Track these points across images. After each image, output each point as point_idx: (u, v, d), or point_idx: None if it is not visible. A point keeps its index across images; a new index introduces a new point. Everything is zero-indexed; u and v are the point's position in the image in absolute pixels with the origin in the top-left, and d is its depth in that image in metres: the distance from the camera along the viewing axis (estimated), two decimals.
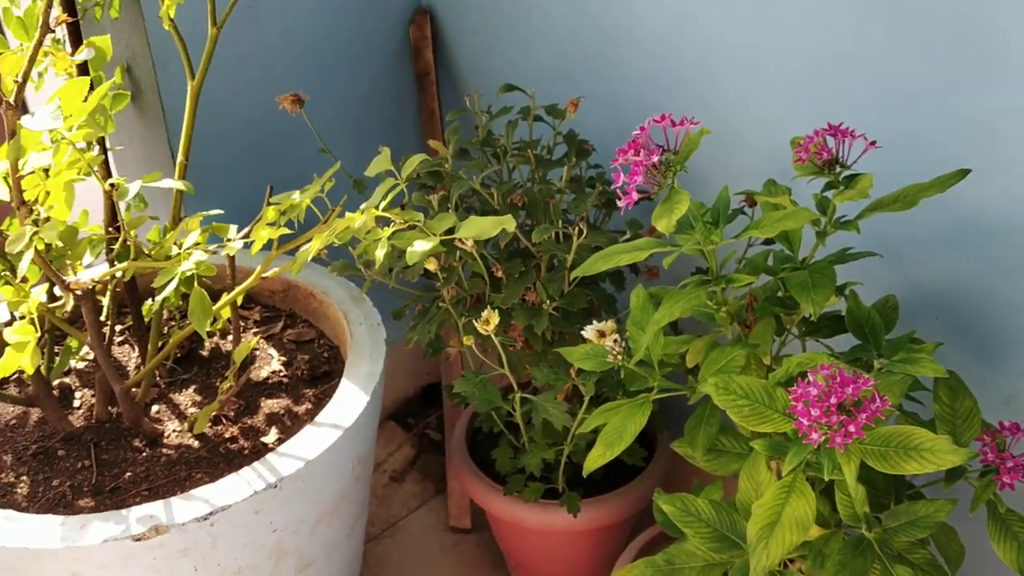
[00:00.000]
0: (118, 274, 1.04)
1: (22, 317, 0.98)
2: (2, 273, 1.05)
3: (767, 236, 0.85)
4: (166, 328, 1.22)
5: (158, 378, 1.19)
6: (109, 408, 1.12)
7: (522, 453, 1.25)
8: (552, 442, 1.22)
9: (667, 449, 1.33)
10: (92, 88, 0.91)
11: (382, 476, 1.68)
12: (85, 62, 1.04)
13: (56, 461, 1.06)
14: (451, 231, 0.87)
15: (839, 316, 0.93)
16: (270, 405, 1.14)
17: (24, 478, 1.03)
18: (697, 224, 0.85)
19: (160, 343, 1.12)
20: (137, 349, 1.21)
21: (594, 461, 0.90)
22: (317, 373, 1.20)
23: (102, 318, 1.11)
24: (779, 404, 0.78)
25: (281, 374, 1.20)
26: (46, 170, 0.94)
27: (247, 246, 0.96)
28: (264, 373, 1.20)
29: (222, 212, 1.03)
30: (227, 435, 1.09)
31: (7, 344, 0.93)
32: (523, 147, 1.21)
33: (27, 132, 0.87)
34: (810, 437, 0.72)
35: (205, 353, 1.24)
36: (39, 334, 0.95)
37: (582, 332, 0.95)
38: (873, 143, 0.86)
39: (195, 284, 0.92)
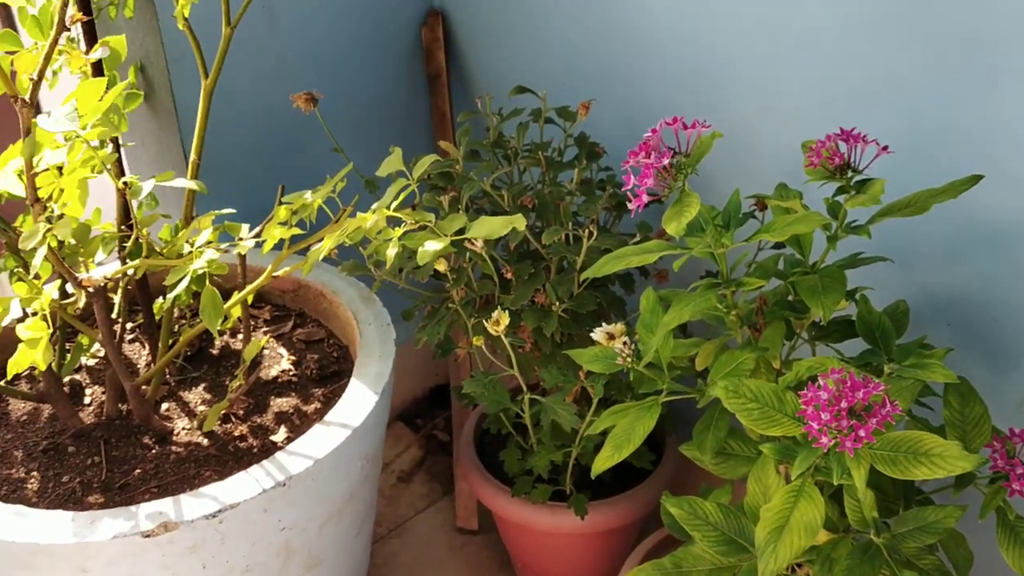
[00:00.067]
0: (130, 272, 1.05)
1: (35, 313, 0.98)
2: (15, 270, 1.06)
3: (778, 240, 0.85)
4: (177, 326, 1.23)
5: (168, 376, 1.19)
6: (119, 405, 1.12)
7: (530, 455, 1.25)
8: (560, 444, 1.22)
9: (675, 452, 1.33)
10: (107, 87, 0.91)
11: (390, 476, 1.68)
12: (100, 61, 1.05)
13: (66, 457, 1.06)
14: (462, 231, 0.87)
15: (849, 321, 0.93)
16: (279, 404, 1.15)
17: (34, 474, 1.04)
18: (708, 227, 0.85)
19: (171, 341, 1.12)
20: (148, 347, 1.21)
21: (602, 463, 0.90)
22: (326, 373, 1.20)
23: (113, 315, 1.12)
24: (789, 408, 0.78)
25: (290, 373, 1.20)
26: (60, 167, 0.94)
27: (258, 245, 0.96)
28: (274, 372, 1.20)
29: (234, 211, 1.03)
30: (236, 433, 1.10)
31: (20, 340, 0.94)
32: (534, 149, 1.21)
33: (42, 130, 0.87)
34: (820, 441, 0.72)
35: (215, 352, 1.24)
36: (51, 331, 0.96)
37: (591, 334, 0.95)
38: (885, 148, 0.86)
39: (206, 282, 0.92)
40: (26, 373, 1.19)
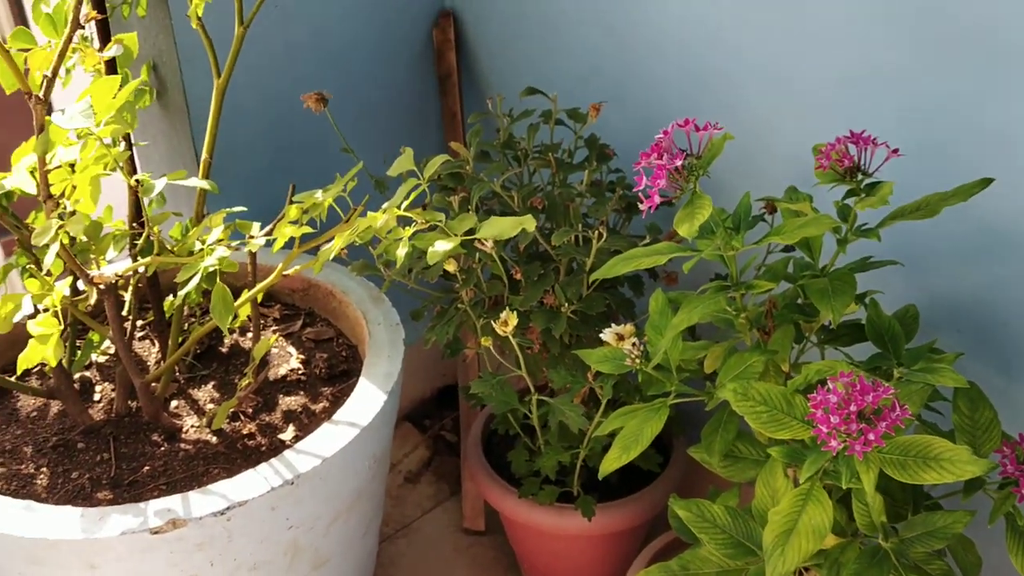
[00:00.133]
0: (141, 269, 1.05)
1: (46, 310, 0.99)
2: (27, 266, 1.07)
3: (788, 242, 0.85)
4: (186, 324, 1.23)
5: (177, 374, 1.20)
6: (129, 402, 1.12)
7: (538, 456, 1.25)
8: (568, 445, 1.22)
9: (683, 455, 1.33)
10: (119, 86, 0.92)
11: (397, 477, 1.68)
12: (113, 59, 1.05)
13: (76, 453, 1.07)
14: (472, 232, 0.88)
15: (859, 324, 0.92)
16: (288, 402, 1.15)
17: (44, 469, 1.04)
18: (718, 230, 0.85)
19: (180, 339, 1.13)
20: (157, 344, 1.22)
21: (610, 464, 0.90)
22: (335, 372, 1.20)
23: (124, 313, 1.12)
24: (798, 411, 0.78)
25: (299, 372, 1.20)
26: (72, 165, 0.94)
27: (269, 244, 0.97)
28: (283, 371, 1.20)
29: (245, 209, 1.03)
30: (245, 431, 1.10)
31: (31, 336, 0.94)
32: (544, 150, 1.21)
33: (56, 127, 0.87)
34: (829, 444, 0.72)
35: (224, 350, 1.25)
36: (62, 327, 0.96)
37: (600, 335, 0.95)
38: (895, 151, 0.86)
39: (217, 280, 0.92)
40: (36, 369, 1.20)
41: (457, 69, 1.51)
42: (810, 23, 1.04)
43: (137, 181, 0.97)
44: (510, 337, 1.06)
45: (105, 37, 1.08)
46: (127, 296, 1.14)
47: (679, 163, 0.82)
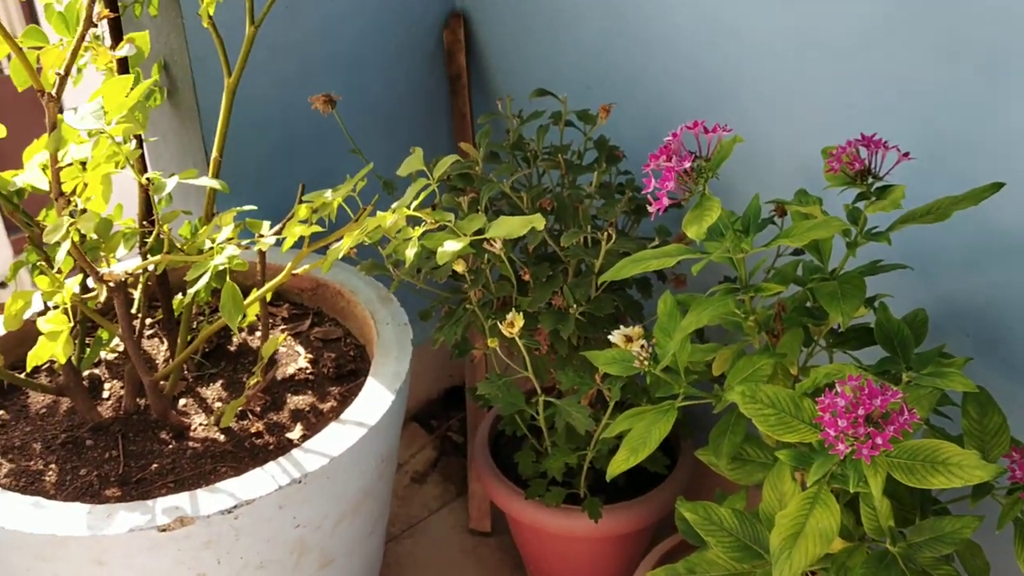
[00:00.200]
0: (150, 267, 1.05)
1: (56, 307, 0.99)
2: (38, 263, 1.07)
3: (797, 245, 0.85)
4: (195, 323, 1.24)
5: (186, 372, 1.20)
6: (137, 400, 1.13)
7: (545, 457, 1.25)
8: (575, 447, 1.22)
9: (690, 457, 1.32)
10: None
11: (403, 477, 1.69)
12: (125, 58, 1.06)
13: (84, 450, 1.07)
14: (481, 232, 0.88)
15: (868, 328, 0.92)
16: (296, 401, 1.15)
17: (52, 466, 1.05)
18: (727, 232, 0.85)
19: (189, 337, 1.13)
20: (166, 343, 1.22)
21: (618, 466, 0.90)
22: (343, 371, 1.21)
23: (133, 311, 1.13)
24: (806, 414, 0.77)
25: (307, 371, 1.21)
26: (83, 163, 0.95)
27: (278, 243, 0.97)
28: (291, 370, 1.21)
29: (255, 208, 1.04)
30: (253, 430, 1.10)
31: (41, 333, 0.95)
32: (553, 152, 1.21)
33: (68, 125, 0.88)
34: (836, 448, 0.72)
35: (233, 348, 1.25)
36: (72, 324, 0.97)
37: (609, 337, 0.95)
38: (906, 155, 0.86)
39: (227, 279, 0.93)
40: (46, 366, 1.20)
41: (467, 70, 1.51)
42: (822, 25, 1.03)
43: (148, 179, 0.97)
44: (516, 338, 1.06)
45: (117, 36, 1.08)
46: (136, 294, 1.15)
47: (688, 165, 0.82)
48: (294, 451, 0.99)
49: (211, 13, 1.02)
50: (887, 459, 0.74)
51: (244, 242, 0.95)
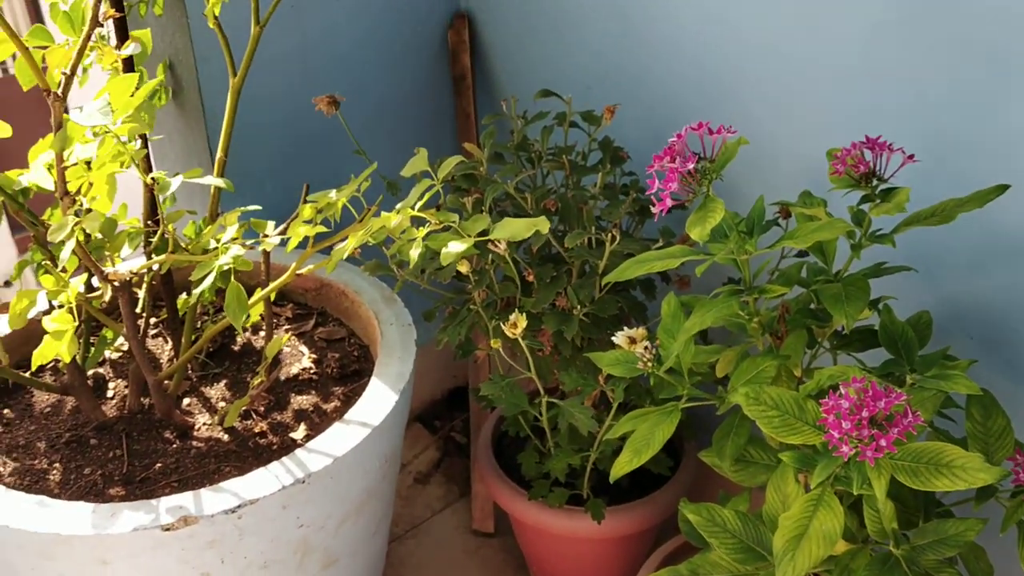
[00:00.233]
0: (155, 267, 1.06)
1: (61, 306, 0.99)
2: (43, 262, 1.07)
3: (801, 247, 0.85)
4: (199, 322, 1.24)
5: (190, 371, 1.20)
6: (141, 399, 1.13)
7: (548, 458, 1.25)
8: (578, 448, 1.22)
9: (693, 459, 1.32)
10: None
11: (407, 477, 1.69)
12: (130, 57, 1.06)
13: (88, 449, 1.07)
14: (485, 233, 0.88)
15: (872, 330, 0.92)
16: (299, 401, 1.15)
17: (57, 465, 1.05)
18: (731, 233, 0.85)
19: (193, 337, 1.13)
20: (170, 342, 1.22)
21: (621, 467, 0.90)
22: (347, 371, 1.21)
23: (138, 310, 1.13)
24: (809, 416, 0.77)
25: (311, 371, 1.21)
26: (88, 162, 0.95)
27: (283, 243, 0.97)
28: (294, 370, 1.21)
29: (260, 208, 1.04)
30: (256, 430, 1.10)
31: (45, 332, 0.95)
32: (558, 153, 1.21)
33: (74, 124, 0.88)
34: (840, 450, 0.72)
35: (237, 348, 1.25)
36: (76, 324, 0.97)
37: (612, 338, 0.95)
38: (911, 157, 0.86)
39: (231, 279, 0.93)
40: (50, 365, 1.20)
41: (471, 70, 1.52)
42: (826, 26, 1.03)
43: (153, 179, 0.97)
44: (520, 339, 1.06)
45: (123, 35, 1.08)
46: (141, 293, 1.15)
47: (691, 167, 0.82)
48: (298, 451, 1.00)
49: (216, 13, 1.02)
50: (891, 461, 0.74)
51: (249, 242, 0.95)
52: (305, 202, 0.98)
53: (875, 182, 0.87)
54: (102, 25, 0.89)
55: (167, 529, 0.90)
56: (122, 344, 1.22)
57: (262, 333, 1.27)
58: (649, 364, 0.91)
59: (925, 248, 1.01)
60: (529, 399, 1.17)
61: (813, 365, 0.96)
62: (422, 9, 1.47)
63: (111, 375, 1.20)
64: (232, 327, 1.23)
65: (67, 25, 1.02)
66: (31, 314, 1.03)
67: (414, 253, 0.88)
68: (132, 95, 0.90)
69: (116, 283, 0.98)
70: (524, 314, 1.05)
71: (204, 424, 1.11)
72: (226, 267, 0.91)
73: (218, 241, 0.95)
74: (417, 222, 0.91)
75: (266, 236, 0.98)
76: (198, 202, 1.38)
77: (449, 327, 1.19)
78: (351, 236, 0.92)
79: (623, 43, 1.28)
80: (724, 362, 0.95)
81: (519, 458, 1.30)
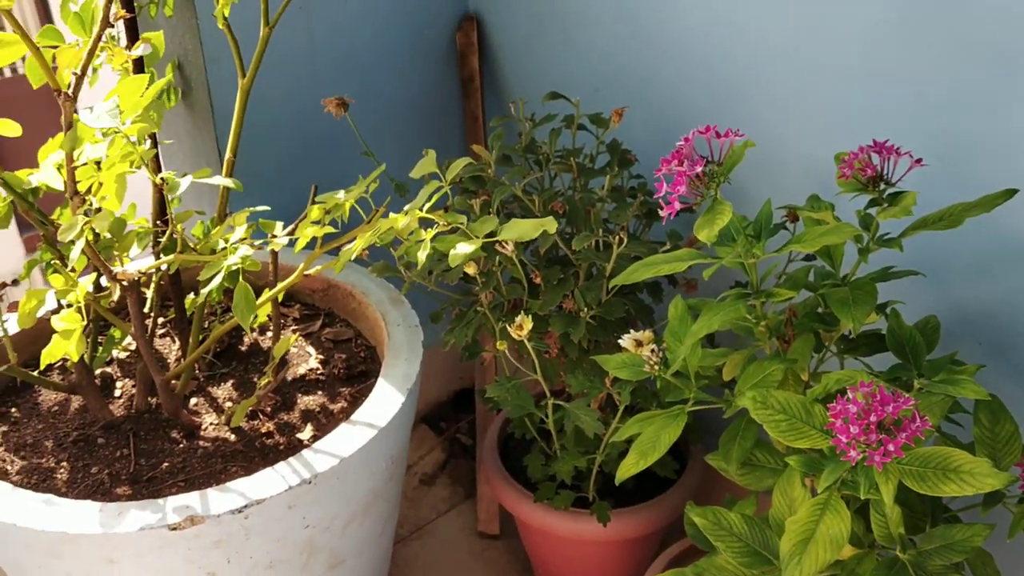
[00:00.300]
0: (163, 267, 1.06)
1: (69, 305, 1.00)
2: (52, 262, 1.08)
3: (809, 251, 0.85)
4: (207, 322, 1.24)
5: (197, 371, 1.20)
6: (149, 399, 1.13)
7: (554, 460, 1.25)
8: (584, 450, 1.22)
9: (699, 462, 1.32)
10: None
11: (412, 478, 1.69)
12: (140, 58, 1.06)
13: (96, 448, 1.08)
14: (492, 234, 0.88)
15: (879, 334, 0.92)
16: (306, 402, 1.16)
17: (64, 464, 1.05)
18: (739, 237, 0.85)
19: (201, 337, 1.14)
20: (178, 342, 1.23)
21: (627, 470, 0.90)
22: (354, 372, 1.21)
23: (145, 310, 1.13)
24: (817, 420, 0.77)
25: (318, 372, 1.21)
26: (98, 162, 0.95)
27: (291, 243, 0.97)
28: (301, 370, 1.21)
29: (268, 209, 1.04)
30: (263, 430, 1.10)
31: (54, 331, 0.95)
32: (566, 155, 1.21)
33: (83, 124, 0.88)
34: (848, 454, 0.72)
35: (244, 348, 1.25)
36: (85, 323, 0.97)
37: (619, 341, 0.95)
38: (919, 161, 0.86)
39: (240, 279, 0.93)
40: (58, 364, 1.21)
41: (479, 73, 1.52)
42: (833, 29, 1.03)
43: (162, 179, 0.97)
44: (526, 341, 1.06)
45: (133, 36, 1.09)
46: (149, 293, 1.15)
47: (699, 170, 0.82)
48: (304, 451, 1.00)
49: (226, 14, 1.02)
50: (898, 466, 0.73)
51: (257, 242, 0.96)
52: (313, 203, 0.98)
53: (882, 186, 0.87)
54: (112, 26, 0.89)
55: (174, 528, 0.90)
56: (130, 343, 1.22)
57: (269, 333, 1.27)
58: (656, 367, 0.91)
59: (933, 252, 1.01)
60: (535, 401, 1.17)
61: (820, 369, 0.96)
62: (430, 11, 1.48)
63: (119, 374, 1.20)
64: (239, 327, 1.24)
65: (78, 25, 1.03)
66: (39, 313, 1.04)
67: (422, 255, 0.88)
68: (141, 96, 0.90)
69: (124, 283, 0.99)
70: (531, 316, 1.05)
71: (211, 424, 1.12)
72: (234, 267, 0.91)
73: (226, 241, 0.96)
74: (425, 223, 0.91)
75: (274, 237, 0.98)
76: (207, 202, 1.39)
77: (456, 329, 1.19)
78: (359, 237, 0.92)
79: (631, 46, 1.28)
80: (731, 365, 0.95)
81: (525, 460, 1.30)
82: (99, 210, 0.94)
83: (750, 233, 0.86)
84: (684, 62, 1.22)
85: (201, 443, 1.09)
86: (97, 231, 0.92)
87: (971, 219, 0.85)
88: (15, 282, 1.09)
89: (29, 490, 0.97)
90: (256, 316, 1.03)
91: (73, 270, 1.01)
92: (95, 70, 1.10)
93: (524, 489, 1.30)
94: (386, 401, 1.07)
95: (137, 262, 1.12)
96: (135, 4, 1.08)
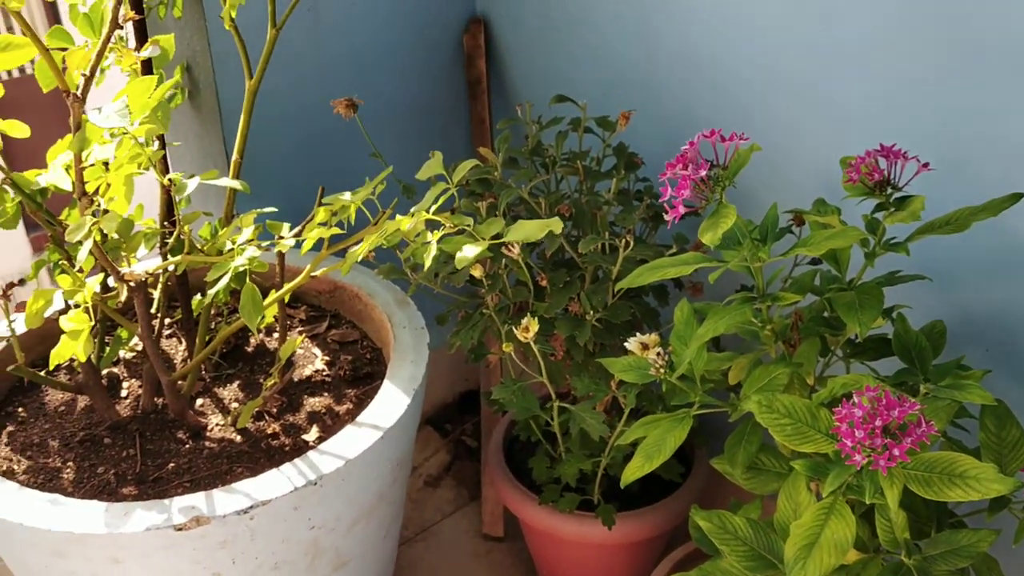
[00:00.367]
0: (171, 268, 1.06)
1: (77, 306, 1.00)
2: (59, 262, 1.08)
3: (815, 255, 0.85)
4: (213, 323, 1.24)
5: (203, 372, 1.21)
6: (155, 399, 1.14)
7: (559, 463, 1.25)
8: (589, 453, 1.22)
9: (704, 466, 1.32)
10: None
11: (417, 480, 1.69)
12: (149, 59, 1.07)
13: (102, 449, 1.08)
14: (499, 236, 0.88)
15: (885, 339, 0.92)
16: (312, 403, 1.16)
17: (70, 464, 1.06)
18: (745, 240, 0.85)
19: (207, 338, 1.14)
20: (184, 343, 1.23)
21: (632, 473, 0.90)
22: (359, 374, 1.21)
23: (152, 311, 1.13)
24: (822, 424, 0.77)
25: (324, 373, 1.21)
26: (106, 163, 0.96)
27: (298, 245, 0.97)
28: (307, 372, 1.21)
29: (276, 210, 1.04)
30: (269, 431, 1.11)
31: (62, 331, 0.96)
32: (572, 158, 1.21)
33: (92, 125, 0.89)
34: (853, 459, 0.72)
35: (250, 349, 1.26)
36: (92, 323, 0.97)
37: (625, 344, 0.95)
38: (926, 165, 0.86)
39: (247, 280, 0.93)
40: (65, 364, 1.21)
41: (487, 75, 1.52)
42: (838, 34, 1.03)
43: (170, 180, 0.98)
44: (532, 344, 1.06)
45: (142, 38, 1.09)
46: (156, 294, 1.15)
47: (703, 174, 0.82)
48: (310, 453, 1.00)
49: (233, 16, 1.02)
50: (904, 471, 0.73)
51: (264, 244, 0.96)
52: (320, 204, 0.98)
53: (889, 190, 0.87)
54: (122, 27, 0.89)
55: (179, 529, 0.91)
56: (136, 344, 1.23)
57: (275, 335, 1.27)
58: (661, 370, 0.91)
59: (939, 257, 1.00)
60: (541, 403, 1.17)
61: (826, 373, 0.96)
62: (438, 13, 1.48)
63: (125, 375, 1.21)
64: (246, 328, 1.24)
65: (87, 27, 1.03)
66: (47, 313, 1.04)
67: (428, 257, 0.88)
68: (149, 97, 0.90)
69: (132, 283, 0.99)
70: (537, 319, 1.05)
71: (217, 425, 1.12)
72: (241, 268, 0.92)
73: (234, 242, 0.96)
74: (431, 225, 0.91)
75: (281, 238, 0.98)
76: (214, 204, 1.39)
77: (462, 331, 1.19)
78: (365, 239, 0.92)
79: (639, 49, 1.28)
80: (737, 369, 0.95)
81: (530, 462, 1.30)
82: (107, 211, 0.94)
83: (756, 237, 0.86)
84: (691, 66, 1.22)
85: (207, 444, 1.09)
86: (105, 232, 0.92)
87: (978, 223, 0.85)
88: (22, 282, 1.09)
89: (35, 490, 0.97)
90: (263, 317, 1.03)
91: (81, 270, 1.02)
92: (103, 71, 1.10)
93: (529, 492, 1.30)
94: (392, 403, 1.07)
95: (144, 263, 1.12)
96: (144, 5, 1.08)
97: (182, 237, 1.02)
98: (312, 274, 0.99)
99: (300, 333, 1.28)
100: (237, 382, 1.20)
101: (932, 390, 0.82)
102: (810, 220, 0.94)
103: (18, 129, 1.01)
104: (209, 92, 1.30)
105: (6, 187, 1.05)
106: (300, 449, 1.08)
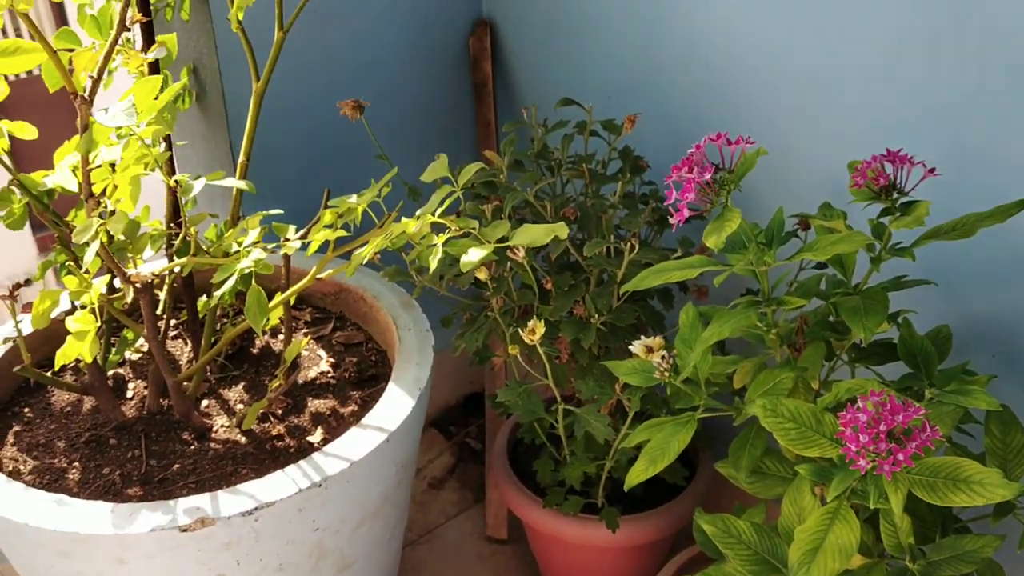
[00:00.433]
0: (176, 269, 1.06)
1: (83, 307, 1.00)
2: (66, 263, 1.08)
3: (820, 259, 0.85)
4: (219, 325, 1.25)
5: (209, 373, 1.21)
6: (161, 400, 1.14)
7: (563, 466, 1.25)
8: (594, 456, 1.22)
9: (708, 469, 1.32)
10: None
11: (421, 482, 1.69)
12: (156, 61, 1.07)
13: (107, 449, 1.08)
14: (504, 239, 0.88)
15: (890, 344, 0.92)
16: (317, 405, 1.16)
17: (76, 464, 1.06)
18: (750, 244, 0.85)
19: (213, 339, 1.14)
20: (190, 344, 1.23)
21: (636, 476, 0.90)
22: (364, 376, 1.21)
23: (158, 312, 1.14)
24: (827, 429, 0.77)
25: (329, 375, 1.21)
26: (113, 164, 0.96)
27: (303, 247, 0.98)
28: (312, 373, 1.21)
29: (281, 212, 1.05)
30: (274, 433, 1.11)
31: (68, 332, 0.96)
32: (578, 161, 1.21)
33: (99, 126, 0.89)
34: (857, 463, 0.72)
35: (255, 351, 1.26)
36: (98, 324, 0.98)
37: (630, 347, 0.95)
38: (932, 170, 0.85)
39: (252, 281, 0.93)
40: (71, 365, 1.21)
41: (492, 78, 1.52)
42: (847, 39, 1.03)
43: (176, 182, 0.98)
44: (537, 346, 1.06)
45: (149, 40, 1.09)
46: (162, 295, 1.16)
47: (708, 177, 0.82)
48: (315, 455, 1.00)
49: (240, 18, 1.03)
50: (908, 476, 0.73)
51: (270, 246, 0.96)
52: (326, 207, 0.99)
53: (895, 195, 0.87)
54: (129, 29, 0.90)
55: (184, 530, 0.91)
56: (142, 345, 1.23)
57: (281, 336, 1.28)
58: (666, 374, 0.91)
59: (945, 262, 1.00)
60: (545, 406, 1.17)
61: (831, 378, 0.96)
62: (444, 16, 1.48)
63: (131, 376, 1.21)
64: (251, 330, 1.24)
65: (94, 29, 1.04)
66: (53, 314, 1.04)
67: (433, 259, 0.88)
68: (156, 98, 0.91)
69: (138, 285, 0.99)
70: (542, 321, 1.05)
71: (222, 426, 1.12)
72: (247, 270, 0.92)
73: (239, 244, 0.96)
74: (437, 228, 0.91)
75: (287, 240, 0.99)
76: (220, 205, 1.39)
77: (467, 333, 1.19)
78: (371, 241, 0.92)
79: (645, 52, 1.28)
80: (741, 373, 0.95)
81: (534, 465, 1.30)
82: (113, 212, 0.95)
83: (762, 241, 0.86)
84: (698, 69, 1.22)
85: (212, 445, 1.09)
86: (111, 233, 0.92)
87: (984, 229, 0.85)
88: (28, 282, 1.09)
89: (41, 490, 0.98)
90: (268, 319, 1.04)
91: (87, 271, 1.02)
92: (110, 73, 1.10)
93: (533, 494, 1.30)
94: (396, 405, 1.07)
95: (150, 264, 1.13)
96: (151, 7, 1.09)
97: (188, 239, 1.02)
98: (318, 276, 0.99)
99: (305, 335, 1.29)
100: (242, 384, 1.20)
101: (937, 395, 0.82)
102: (816, 224, 0.94)
103: (25, 130, 1.02)
104: (216, 94, 1.31)
105: (13, 188, 1.05)
106: (305, 451, 1.08)
